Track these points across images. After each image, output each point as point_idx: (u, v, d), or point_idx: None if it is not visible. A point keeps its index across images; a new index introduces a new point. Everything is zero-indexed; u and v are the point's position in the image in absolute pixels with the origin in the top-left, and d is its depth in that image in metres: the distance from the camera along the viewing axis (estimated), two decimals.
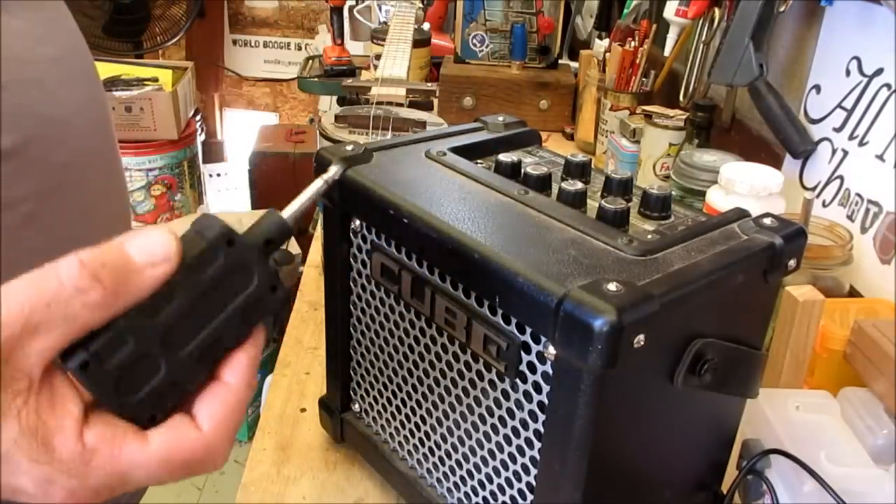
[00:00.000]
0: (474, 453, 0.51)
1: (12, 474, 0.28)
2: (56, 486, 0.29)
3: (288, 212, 0.37)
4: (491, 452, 0.50)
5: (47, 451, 0.28)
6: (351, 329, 0.61)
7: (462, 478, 0.54)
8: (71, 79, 0.53)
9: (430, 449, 0.56)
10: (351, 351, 0.62)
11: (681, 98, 1.18)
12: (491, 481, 0.51)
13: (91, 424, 0.30)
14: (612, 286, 0.39)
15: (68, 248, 0.30)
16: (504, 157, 0.56)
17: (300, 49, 3.07)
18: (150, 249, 0.30)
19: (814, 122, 0.96)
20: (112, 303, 0.29)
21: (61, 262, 0.28)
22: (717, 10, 1.10)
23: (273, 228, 0.36)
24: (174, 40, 2.71)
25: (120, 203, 0.60)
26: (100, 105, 0.57)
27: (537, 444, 0.45)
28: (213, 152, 3.14)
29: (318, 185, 0.40)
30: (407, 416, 0.58)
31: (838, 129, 0.91)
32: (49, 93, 0.50)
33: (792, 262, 0.49)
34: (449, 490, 0.56)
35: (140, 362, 0.31)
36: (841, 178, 0.89)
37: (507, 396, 0.46)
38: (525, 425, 0.46)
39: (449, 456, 0.54)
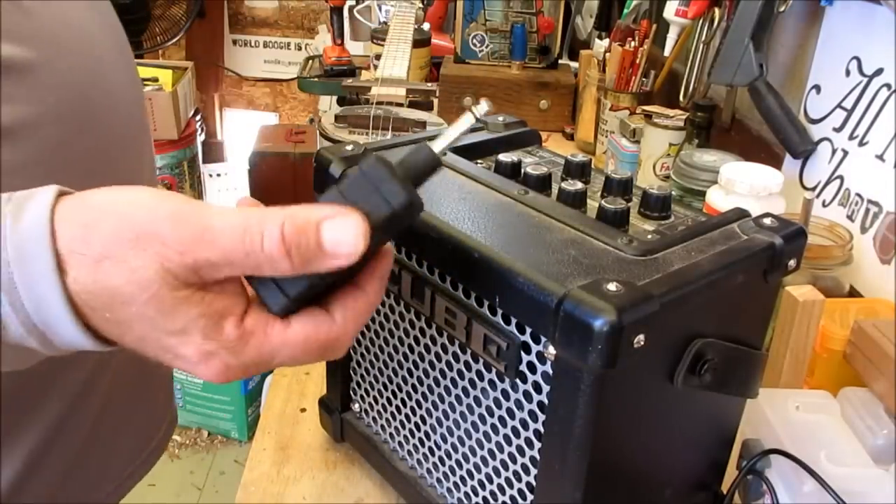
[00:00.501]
0: (474, 453, 0.51)
1: (184, 345, 0.34)
2: (216, 359, 0.34)
3: (439, 146, 0.38)
4: (491, 452, 0.50)
5: (217, 330, 0.34)
6: None
7: (462, 478, 0.54)
8: (122, 59, 0.56)
9: (430, 449, 0.56)
10: (351, 351, 0.62)
11: (681, 98, 1.18)
12: (491, 481, 0.51)
13: (250, 313, 0.36)
14: (612, 286, 0.39)
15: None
16: (504, 157, 0.56)
17: (300, 49, 3.07)
18: (341, 241, 0.34)
19: (814, 122, 0.96)
20: (291, 272, 0.34)
21: (269, 225, 0.33)
22: (717, 10, 1.10)
23: (427, 164, 0.38)
24: (174, 40, 2.71)
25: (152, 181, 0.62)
26: (139, 89, 0.60)
27: (537, 444, 0.45)
28: (213, 152, 3.14)
29: (468, 119, 0.39)
30: (407, 416, 0.58)
31: (838, 129, 0.91)
32: (102, 62, 0.52)
33: (792, 262, 0.49)
34: (449, 490, 0.56)
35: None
36: (841, 178, 0.89)
37: (507, 396, 0.46)
38: (525, 425, 0.46)
39: (449, 456, 0.54)
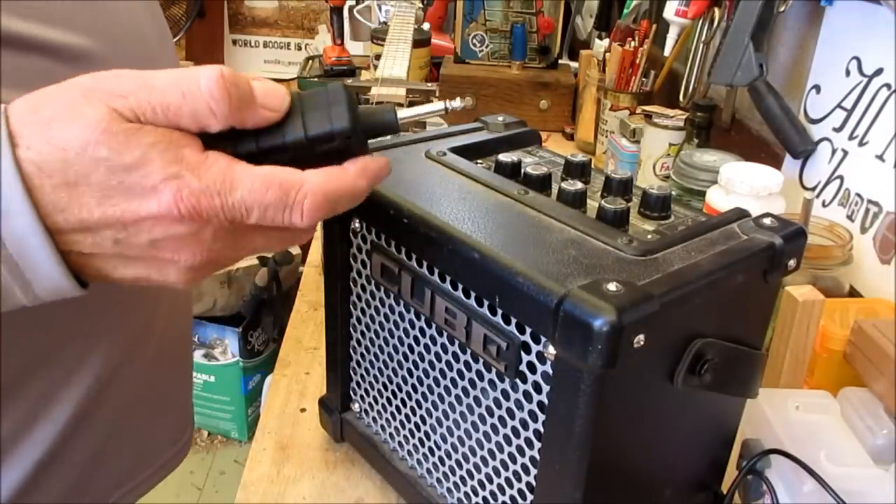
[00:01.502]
0: (474, 453, 0.51)
1: (145, 176, 0.34)
2: (181, 180, 0.34)
3: (403, 114, 0.41)
4: (491, 452, 0.50)
5: (176, 155, 0.35)
6: (351, 329, 0.61)
7: (462, 478, 0.54)
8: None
9: (430, 449, 0.56)
10: (351, 351, 0.62)
11: (681, 98, 1.18)
12: (491, 481, 0.51)
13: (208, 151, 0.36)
14: (612, 286, 0.39)
15: None
16: (504, 157, 0.56)
17: (300, 49, 3.07)
18: (269, 93, 0.37)
19: (814, 122, 0.96)
20: (229, 118, 0.36)
21: (203, 68, 0.35)
22: (717, 10, 1.10)
23: (384, 121, 0.41)
24: (174, 40, 2.71)
25: None
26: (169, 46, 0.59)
27: (537, 444, 0.45)
28: None
29: (438, 106, 0.43)
30: (407, 416, 0.58)
31: (838, 129, 0.91)
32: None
33: (792, 262, 0.49)
34: (449, 490, 0.56)
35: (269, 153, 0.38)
36: (841, 178, 0.89)
37: (507, 396, 0.46)
38: (525, 425, 0.46)
39: (449, 456, 0.54)
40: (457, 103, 0.42)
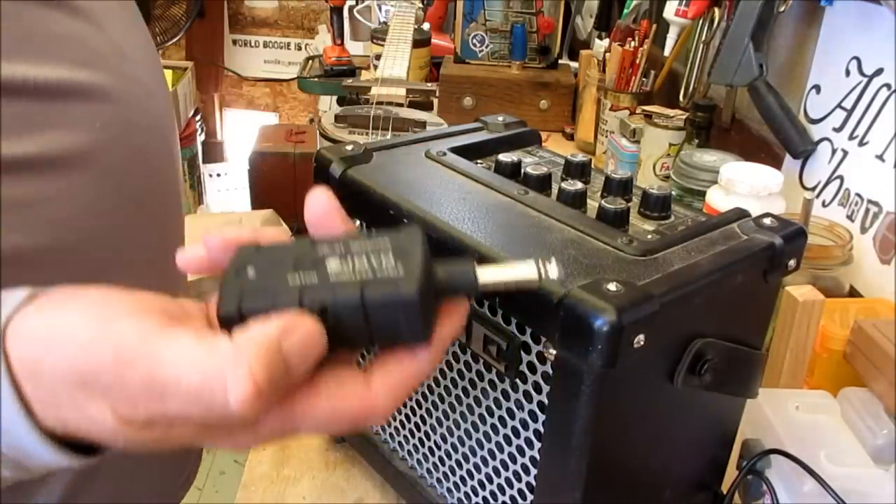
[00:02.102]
0: (474, 453, 0.51)
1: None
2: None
3: (485, 276, 0.32)
4: (491, 452, 0.50)
5: (213, 434, 0.30)
6: None
7: (462, 478, 0.54)
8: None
9: (430, 449, 0.56)
10: None
11: (681, 98, 1.18)
12: (491, 481, 0.51)
13: None
14: (612, 286, 0.39)
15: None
16: (504, 157, 0.56)
17: (300, 49, 3.07)
18: (308, 355, 0.30)
19: (814, 122, 0.96)
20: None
21: (232, 377, 0.27)
22: (717, 10, 1.10)
23: (461, 285, 0.33)
24: (174, 40, 2.71)
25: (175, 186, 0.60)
26: (163, 81, 0.58)
27: (537, 444, 0.45)
28: (213, 152, 3.14)
29: (531, 271, 0.33)
30: (407, 416, 0.58)
31: (838, 129, 0.91)
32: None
33: (792, 262, 0.49)
34: (449, 490, 0.56)
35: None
36: (841, 178, 0.89)
37: (507, 396, 0.46)
38: (525, 425, 0.46)
39: (449, 456, 0.54)
40: (553, 269, 0.32)
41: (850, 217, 0.86)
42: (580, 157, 0.57)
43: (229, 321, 0.30)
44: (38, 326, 0.30)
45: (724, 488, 0.57)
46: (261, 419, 0.29)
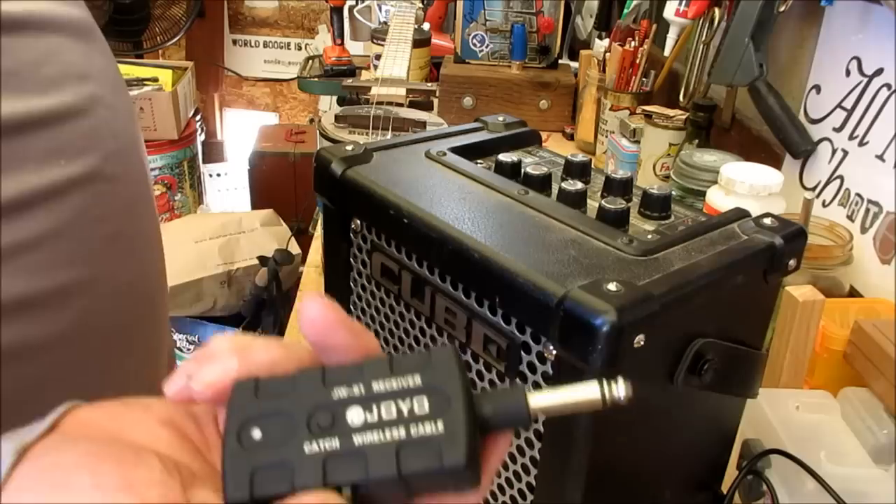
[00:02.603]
0: None
1: None
2: None
3: (539, 401, 0.28)
4: None
5: None
6: None
7: None
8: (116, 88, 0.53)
9: None
10: None
11: (681, 98, 1.18)
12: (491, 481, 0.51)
13: None
14: (612, 286, 0.39)
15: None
16: (504, 157, 0.56)
17: (300, 49, 3.07)
18: None
19: (814, 122, 0.96)
20: None
21: None
22: (717, 10, 1.10)
23: (513, 418, 0.28)
24: (174, 40, 2.71)
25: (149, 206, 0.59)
26: (128, 101, 0.56)
27: (537, 444, 0.45)
28: (213, 152, 3.14)
29: (593, 397, 0.27)
30: None
31: (838, 129, 0.91)
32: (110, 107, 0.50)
33: (792, 262, 0.49)
34: None
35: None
36: (841, 178, 0.89)
37: None
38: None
39: None
40: (621, 389, 0.27)
41: (850, 217, 0.86)
42: (580, 157, 0.57)
43: None
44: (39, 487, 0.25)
45: (724, 488, 0.57)
46: None
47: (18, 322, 0.41)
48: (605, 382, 0.27)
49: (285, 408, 0.26)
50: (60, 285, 0.44)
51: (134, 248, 0.52)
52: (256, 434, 0.26)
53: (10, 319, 0.40)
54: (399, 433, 0.25)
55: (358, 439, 0.25)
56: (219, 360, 0.27)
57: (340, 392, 0.26)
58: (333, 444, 0.25)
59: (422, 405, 0.26)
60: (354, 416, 0.26)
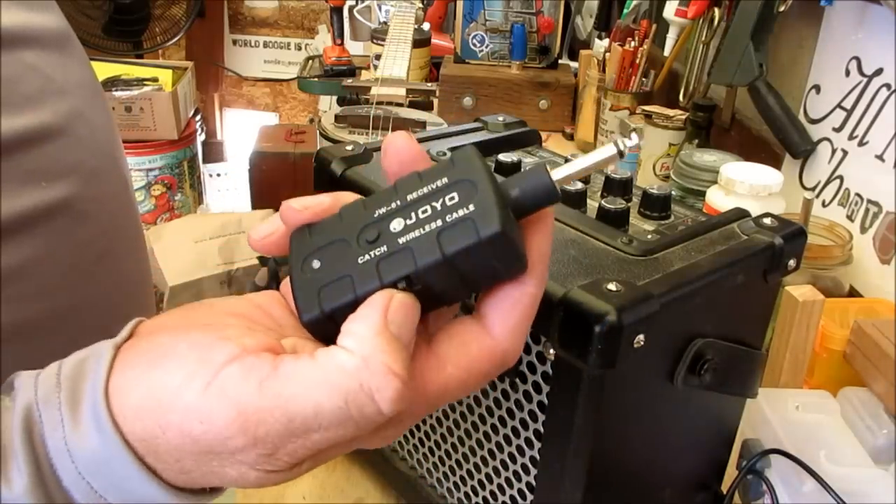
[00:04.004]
0: (474, 453, 0.51)
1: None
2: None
3: (560, 173, 0.29)
4: (491, 452, 0.50)
5: None
6: None
7: (462, 478, 0.54)
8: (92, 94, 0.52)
9: (430, 449, 0.56)
10: None
11: (681, 98, 1.18)
12: (491, 481, 0.51)
13: None
14: (611, 286, 0.39)
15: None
16: (504, 157, 0.56)
17: (300, 49, 3.07)
18: (410, 326, 0.28)
19: (814, 122, 0.96)
20: None
21: (377, 386, 0.26)
22: (717, 10, 1.11)
23: (543, 198, 0.29)
24: (174, 40, 2.71)
25: (131, 213, 0.58)
26: (106, 111, 0.55)
27: (537, 444, 0.45)
28: (213, 152, 3.14)
29: (610, 150, 0.29)
30: None
31: (838, 129, 0.91)
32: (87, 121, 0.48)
33: (792, 262, 0.49)
34: (449, 490, 0.56)
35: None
36: (841, 178, 0.89)
37: (506, 396, 0.46)
38: (525, 425, 0.46)
39: (449, 456, 0.54)
40: (633, 140, 0.30)
41: (850, 217, 0.86)
42: None
43: (317, 324, 0.29)
44: (142, 395, 0.27)
45: (724, 488, 0.57)
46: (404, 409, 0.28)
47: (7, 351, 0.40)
48: (619, 140, 0.29)
49: (336, 236, 0.29)
50: (50, 310, 0.44)
51: (120, 266, 0.51)
52: (316, 263, 0.29)
53: None
54: (437, 224, 0.27)
55: (402, 240, 0.28)
56: (270, 220, 0.31)
57: (380, 210, 0.29)
58: (382, 250, 0.28)
59: (452, 198, 0.28)
60: (396, 224, 0.28)
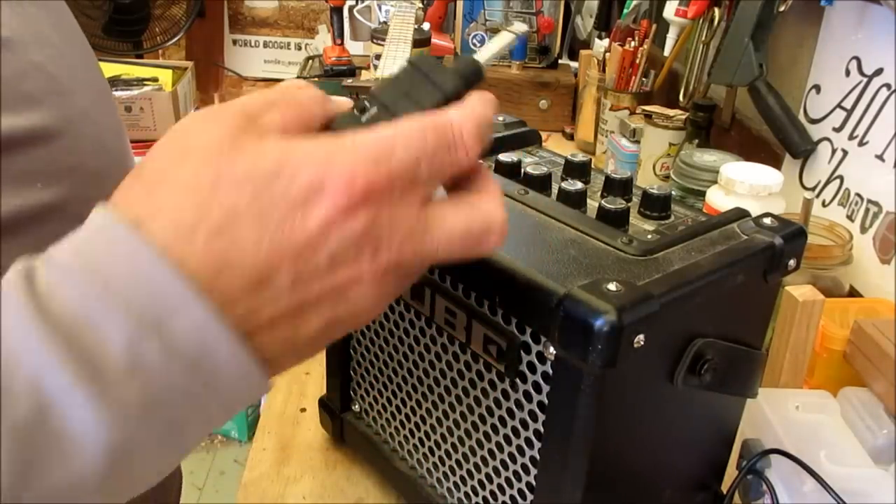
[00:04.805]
0: (474, 453, 0.51)
1: (296, 175, 0.28)
2: (336, 164, 0.29)
3: (482, 56, 0.40)
4: (491, 452, 0.50)
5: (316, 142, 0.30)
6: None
7: (462, 477, 0.54)
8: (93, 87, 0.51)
9: (430, 449, 0.56)
10: (351, 351, 0.62)
11: (681, 98, 1.18)
12: (491, 481, 0.51)
13: None
14: (612, 286, 0.39)
15: None
16: (504, 157, 0.56)
17: (300, 49, 3.07)
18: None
19: (814, 122, 0.96)
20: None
21: (457, 115, 0.32)
22: (717, 10, 1.11)
23: (470, 70, 0.38)
24: (174, 40, 2.71)
25: None
26: (114, 112, 0.54)
27: (537, 444, 0.45)
28: None
29: (507, 37, 0.42)
30: (407, 415, 0.58)
31: (838, 129, 0.91)
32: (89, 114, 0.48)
33: (792, 262, 0.49)
34: (449, 490, 0.56)
35: None
36: (841, 178, 0.89)
37: (507, 396, 0.46)
38: (525, 425, 0.46)
39: (449, 456, 0.54)
40: (520, 26, 0.42)
41: (850, 217, 0.86)
42: (580, 157, 0.57)
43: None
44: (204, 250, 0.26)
45: (724, 488, 0.57)
46: (347, 139, 0.29)
47: None
48: (514, 26, 0.41)
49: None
50: None
51: None
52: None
53: None
54: (419, 103, 0.34)
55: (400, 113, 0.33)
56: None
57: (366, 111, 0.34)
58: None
59: (422, 84, 0.35)
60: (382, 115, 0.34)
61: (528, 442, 0.46)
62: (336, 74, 1.73)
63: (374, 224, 0.28)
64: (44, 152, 0.43)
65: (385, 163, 0.29)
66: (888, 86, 0.83)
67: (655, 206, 0.51)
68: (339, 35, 1.79)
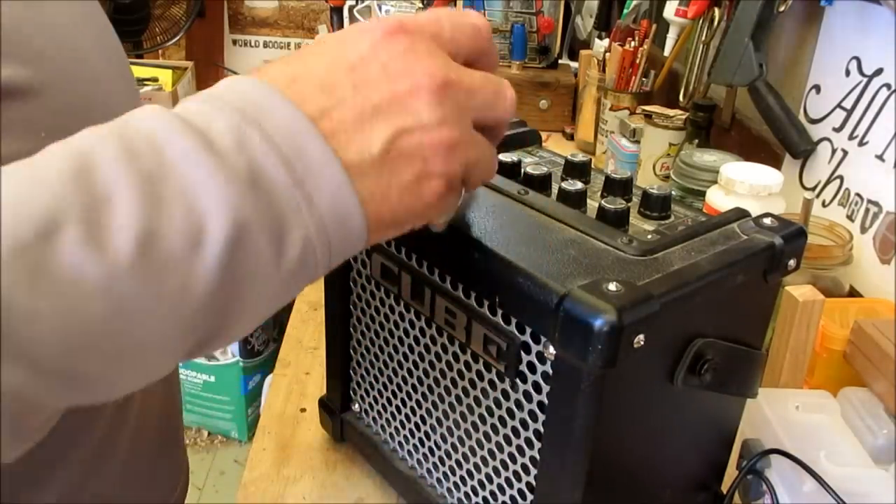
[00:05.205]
0: (474, 453, 0.51)
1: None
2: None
3: None
4: (491, 452, 0.50)
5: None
6: (351, 329, 0.61)
7: (462, 478, 0.54)
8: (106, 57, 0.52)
9: (430, 449, 0.56)
10: (351, 351, 0.62)
11: (681, 98, 1.18)
12: (491, 481, 0.51)
13: None
14: (612, 286, 0.39)
15: None
16: (504, 157, 0.56)
17: (300, 49, 3.07)
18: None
19: (814, 122, 0.96)
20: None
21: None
22: (717, 10, 1.10)
23: None
24: (174, 40, 2.71)
25: None
26: (137, 97, 0.56)
27: (537, 444, 0.45)
28: None
29: None
30: (407, 416, 0.58)
31: (838, 129, 0.91)
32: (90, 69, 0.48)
33: (792, 262, 0.49)
34: (449, 490, 0.56)
35: None
36: (841, 178, 0.89)
37: (507, 396, 0.46)
38: (525, 425, 0.46)
39: (449, 456, 0.54)
40: None
41: (850, 217, 0.86)
42: (580, 157, 0.57)
43: None
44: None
45: (724, 488, 0.57)
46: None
47: None
48: None
49: None
50: None
51: None
52: None
53: None
54: None
55: None
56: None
57: None
58: None
59: None
60: None
61: (528, 442, 0.46)
62: None
63: (413, 48, 0.34)
64: (48, 102, 0.42)
65: (414, 19, 0.36)
66: (888, 86, 0.83)
67: (655, 206, 0.51)
68: None
